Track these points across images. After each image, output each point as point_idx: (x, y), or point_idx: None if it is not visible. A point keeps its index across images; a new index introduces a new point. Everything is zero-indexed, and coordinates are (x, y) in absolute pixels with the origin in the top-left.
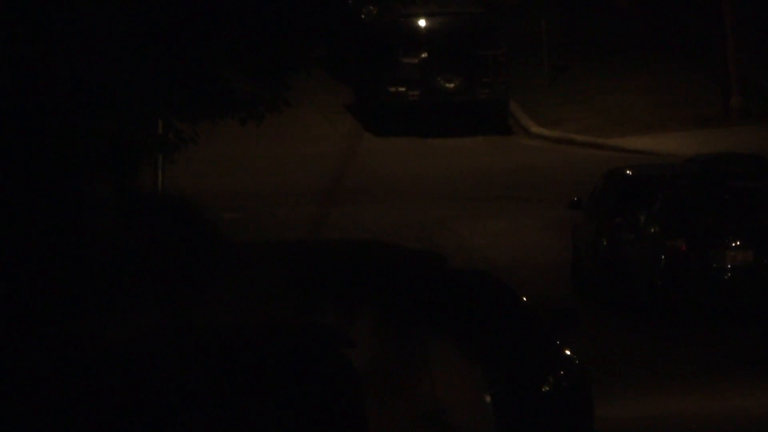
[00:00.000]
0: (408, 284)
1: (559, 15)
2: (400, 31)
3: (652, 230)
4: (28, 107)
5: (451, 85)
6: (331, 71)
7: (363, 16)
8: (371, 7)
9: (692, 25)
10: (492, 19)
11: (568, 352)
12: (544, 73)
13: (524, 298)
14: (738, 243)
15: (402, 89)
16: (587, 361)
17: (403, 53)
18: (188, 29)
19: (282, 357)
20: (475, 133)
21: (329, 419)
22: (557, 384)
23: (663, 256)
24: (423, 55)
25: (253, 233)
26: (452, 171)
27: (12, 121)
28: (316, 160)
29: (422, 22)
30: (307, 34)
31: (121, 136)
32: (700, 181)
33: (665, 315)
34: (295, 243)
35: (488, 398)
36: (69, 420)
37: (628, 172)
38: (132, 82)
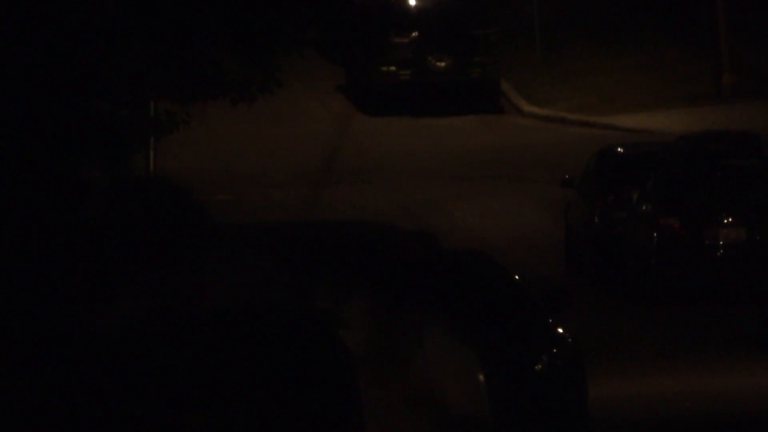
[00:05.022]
0: (401, 265)
1: None
2: (392, 12)
3: (645, 208)
4: (16, 91)
5: (443, 65)
6: (322, 52)
7: None
8: None
9: (684, 4)
10: None
11: (561, 331)
12: (535, 52)
13: (517, 278)
14: (731, 220)
15: (393, 69)
16: (580, 340)
17: (394, 33)
18: (179, 10)
19: (275, 339)
20: (467, 113)
21: (324, 401)
22: (551, 363)
23: (656, 234)
24: (414, 35)
25: (246, 215)
26: (444, 150)
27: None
28: (309, 141)
29: (413, 2)
30: (298, 15)
31: (113, 118)
32: (692, 159)
33: (658, 293)
34: (288, 224)
35: (482, 378)
36: (61, 405)
37: (620, 150)
38: (122, 64)
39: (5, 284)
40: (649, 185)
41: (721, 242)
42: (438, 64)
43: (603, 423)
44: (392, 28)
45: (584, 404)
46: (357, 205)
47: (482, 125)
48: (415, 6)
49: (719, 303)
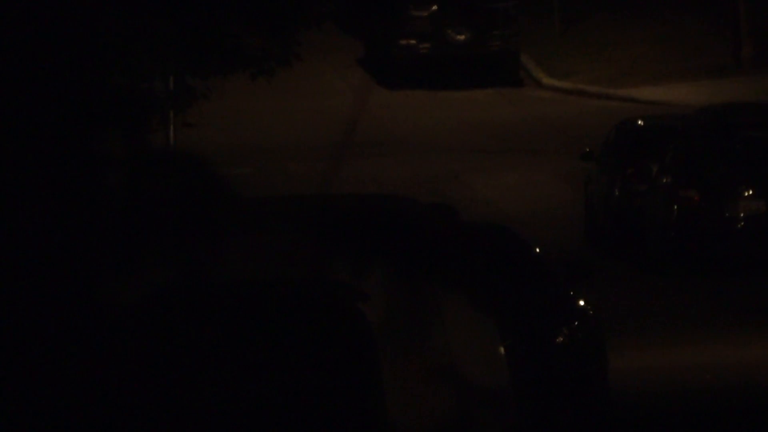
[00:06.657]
0: (421, 237)
1: None
2: None
3: (665, 181)
4: (36, 63)
5: (462, 38)
6: (341, 25)
7: None
8: None
9: None
10: None
11: (582, 303)
12: (555, 24)
13: (537, 250)
14: (751, 192)
15: (413, 42)
16: (601, 312)
17: (413, 6)
18: None
19: (295, 312)
20: (487, 86)
21: (343, 374)
22: (571, 335)
23: (676, 207)
24: (433, 8)
25: (265, 188)
26: (464, 124)
27: (20, 78)
28: (328, 115)
29: None
30: None
31: (132, 92)
32: (712, 131)
33: (678, 265)
34: (307, 197)
35: (502, 351)
36: (80, 377)
37: (640, 122)
38: (142, 38)
39: (25, 259)
40: (668, 157)
41: (740, 214)
42: (457, 37)
43: (623, 395)
44: (411, 2)
45: (605, 376)
46: (376, 178)
47: (501, 98)
48: None
49: (739, 275)
